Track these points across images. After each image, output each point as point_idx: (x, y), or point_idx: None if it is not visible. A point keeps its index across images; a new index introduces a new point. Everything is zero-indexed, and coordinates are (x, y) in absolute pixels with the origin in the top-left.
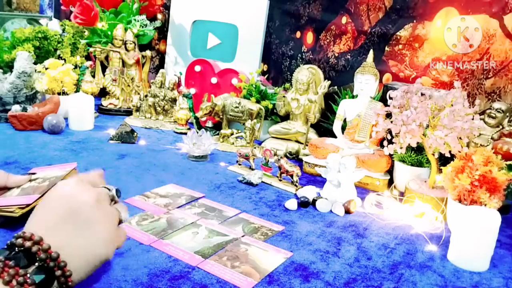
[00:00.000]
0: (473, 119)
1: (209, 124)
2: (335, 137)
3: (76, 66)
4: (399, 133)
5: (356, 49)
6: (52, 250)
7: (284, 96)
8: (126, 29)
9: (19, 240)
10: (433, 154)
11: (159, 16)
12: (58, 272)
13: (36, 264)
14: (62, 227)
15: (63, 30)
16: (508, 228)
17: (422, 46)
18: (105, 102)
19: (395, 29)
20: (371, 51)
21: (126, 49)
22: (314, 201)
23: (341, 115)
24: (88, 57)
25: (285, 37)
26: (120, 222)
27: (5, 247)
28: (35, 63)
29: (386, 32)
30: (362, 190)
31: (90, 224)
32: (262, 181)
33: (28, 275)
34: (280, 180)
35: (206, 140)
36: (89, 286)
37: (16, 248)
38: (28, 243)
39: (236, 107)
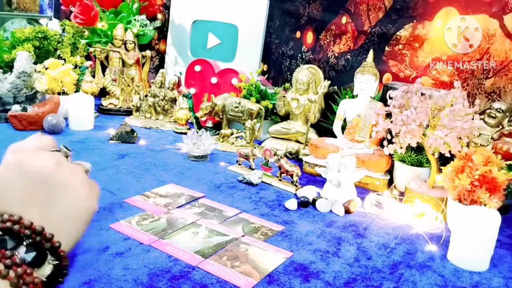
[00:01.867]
0: (473, 119)
1: (209, 124)
2: (335, 137)
3: (76, 66)
4: (399, 133)
5: (356, 49)
6: (35, 225)
7: (284, 96)
8: (126, 29)
9: None
10: (433, 154)
11: (159, 16)
12: (47, 245)
13: (24, 243)
14: (34, 200)
15: (63, 30)
16: (508, 228)
17: (422, 46)
18: (105, 102)
19: (395, 29)
20: (371, 51)
21: (126, 49)
22: (314, 201)
23: (341, 115)
24: (88, 57)
25: (285, 37)
26: (87, 172)
27: None
28: (35, 63)
29: (386, 32)
30: (362, 190)
31: (61, 187)
32: (262, 181)
33: (16, 256)
34: (280, 180)
35: (206, 140)
36: (90, 285)
37: None
38: (8, 224)
39: (236, 107)
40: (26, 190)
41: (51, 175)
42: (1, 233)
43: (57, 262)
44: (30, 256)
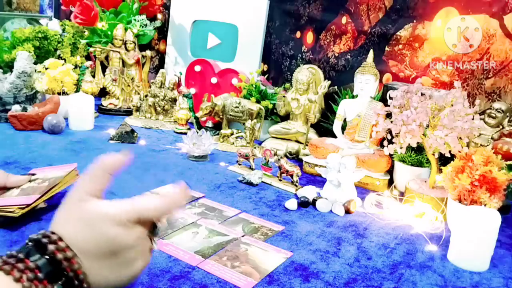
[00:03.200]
0: (473, 119)
1: (209, 124)
2: (335, 137)
3: (76, 66)
4: (399, 133)
5: (356, 49)
6: (81, 271)
7: (284, 96)
8: (126, 29)
9: (51, 247)
10: (433, 154)
11: (159, 16)
12: (71, 274)
13: (46, 257)
14: (97, 256)
15: (63, 30)
16: (508, 228)
17: (422, 46)
18: (105, 102)
19: (395, 29)
20: (371, 51)
21: (126, 49)
22: (314, 201)
23: (341, 115)
24: (88, 57)
25: (285, 37)
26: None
27: (34, 245)
28: (35, 63)
29: (386, 32)
30: (362, 190)
31: (126, 263)
32: (262, 181)
33: (39, 270)
34: (280, 180)
35: (206, 140)
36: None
37: (46, 255)
38: (44, 240)
39: (236, 107)
40: (95, 250)
41: (123, 251)
42: (50, 257)
43: None
44: (45, 270)
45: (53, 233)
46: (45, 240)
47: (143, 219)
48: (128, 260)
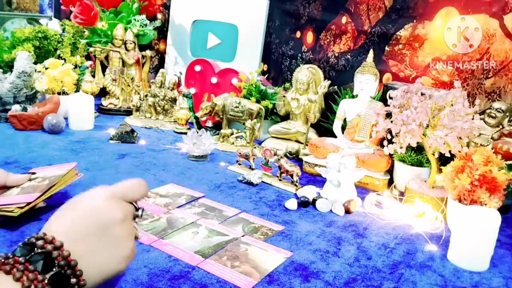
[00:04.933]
0: (473, 119)
1: (209, 124)
2: (335, 137)
3: (76, 66)
4: (399, 133)
5: (356, 49)
6: (72, 258)
7: (284, 96)
8: (126, 29)
9: (40, 242)
10: (433, 154)
11: (159, 16)
12: (73, 281)
13: (54, 270)
14: (86, 239)
15: (63, 30)
16: (508, 228)
17: (422, 46)
18: (105, 102)
19: (395, 29)
20: (371, 51)
21: (126, 49)
22: (314, 201)
23: (341, 115)
24: (88, 57)
25: (285, 37)
26: (136, 238)
27: (23, 245)
28: (35, 63)
29: (386, 32)
30: (362, 190)
31: (115, 241)
32: (262, 181)
33: (46, 281)
34: (280, 180)
35: (206, 140)
36: None
37: (36, 249)
38: (49, 247)
39: (236, 107)
40: (83, 228)
41: (113, 228)
42: (39, 251)
43: None
44: (54, 284)
45: (45, 234)
46: (40, 242)
47: (127, 198)
48: (116, 238)
